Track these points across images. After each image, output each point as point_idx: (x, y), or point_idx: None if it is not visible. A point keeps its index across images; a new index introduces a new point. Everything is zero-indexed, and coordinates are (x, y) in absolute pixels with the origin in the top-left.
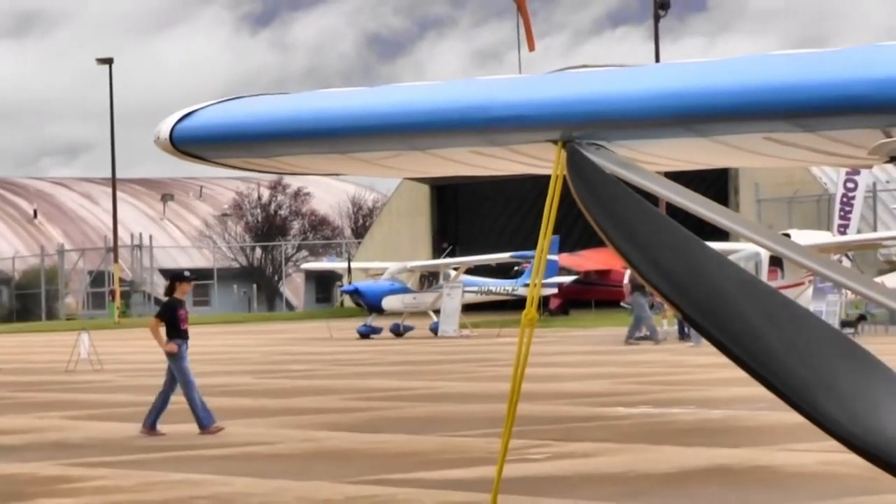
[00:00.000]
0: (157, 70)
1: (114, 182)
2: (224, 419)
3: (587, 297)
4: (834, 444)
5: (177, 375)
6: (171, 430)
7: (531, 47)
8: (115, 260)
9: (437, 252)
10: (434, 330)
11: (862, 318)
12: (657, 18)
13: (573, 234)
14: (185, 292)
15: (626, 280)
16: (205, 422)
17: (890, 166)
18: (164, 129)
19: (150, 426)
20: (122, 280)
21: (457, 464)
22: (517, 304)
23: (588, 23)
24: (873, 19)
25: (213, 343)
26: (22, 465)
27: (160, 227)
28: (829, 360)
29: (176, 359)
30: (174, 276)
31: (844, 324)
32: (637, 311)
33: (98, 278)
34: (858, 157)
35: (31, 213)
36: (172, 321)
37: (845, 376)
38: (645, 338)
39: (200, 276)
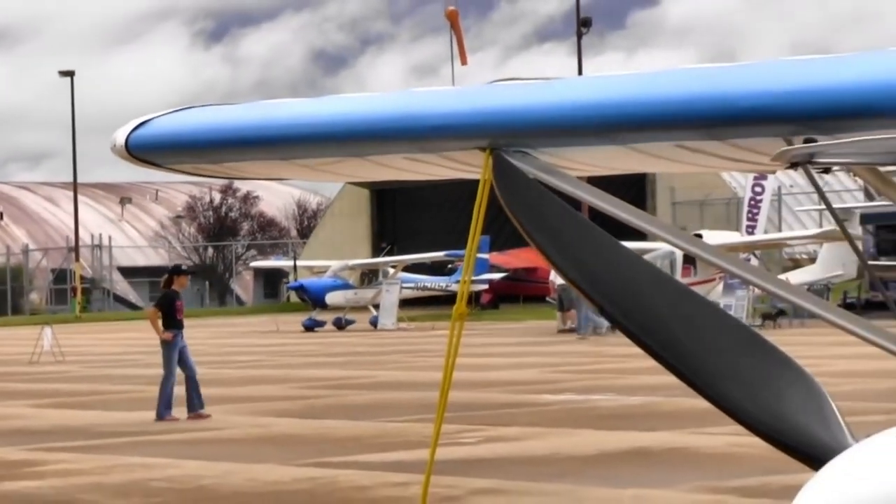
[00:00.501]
0: (116, 82)
1: (75, 186)
2: (177, 406)
3: (516, 292)
4: (740, 428)
5: (162, 363)
6: (129, 416)
7: (463, 61)
8: (77, 259)
9: (377, 251)
10: (374, 323)
11: (781, 312)
12: (580, 35)
13: (502, 235)
14: (182, 285)
15: (551, 276)
16: (162, 413)
17: (793, 172)
18: (120, 137)
19: (193, 410)
20: (82, 278)
21: (394, 447)
22: (450, 299)
23: (517, 38)
24: (778, 36)
25: None
26: None
27: (118, 228)
28: (735, 351)
29: (168, 348)
30: (173, 270)
31: (766, 316)
32: (574, 305)
33: (60, 276)
34: (763, 163)
35: None
36: (169, 311)
37: (750, 366)
38: (571, 330)
39: (156, 273)
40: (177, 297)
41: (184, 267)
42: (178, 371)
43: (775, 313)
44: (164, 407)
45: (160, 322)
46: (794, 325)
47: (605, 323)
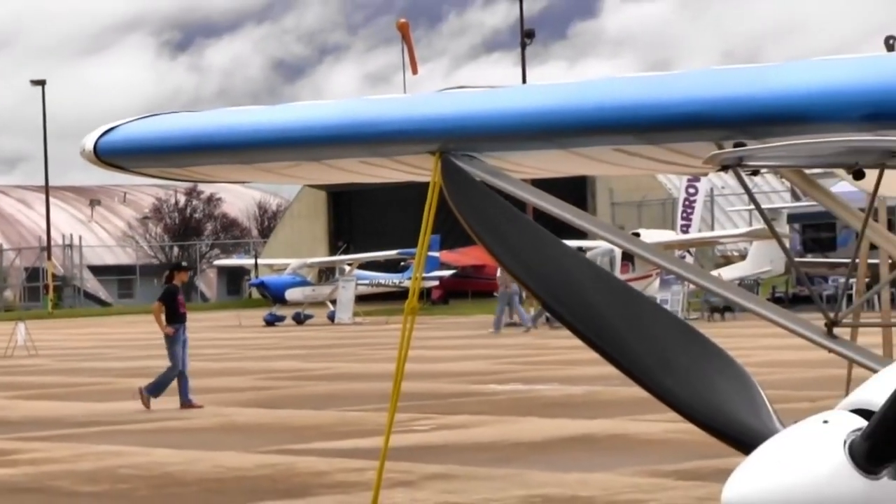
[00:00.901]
0: (85, 90)
1: (47, 189)
2: (129, 399)
3: (464, 288)
4: (676, 415)
5: (168, 355)
6: (99, 407)
7: (414, 71)
8: (49, 258)
9: (333, 250)
10: (331, 318)
11: (727, 308)
12: (524, 46)
13: (452, 234)
14: (182, 280)
15: (498, 273)
16: (152, 393)
17: (724, 174)
18: (89, 142)
19: (186, 401)
20: (54, 276)
21: (351, 435)
22: (403, 295)
23: (465, 49)
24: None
25: (136, 330)
26: None
27: (88, 228)
28: (670, 343)
29: (171, 341)
30: (173, 266)
31: (714, 309)
32: (506, 301)
33: (33, 274)
34: (696, 166)
35: None
36: (172, 305)
37: (685, 358)
38: (514, 324)
39: (124, 271)
40: (178, 291)
41: (183, 263)
42: (167, 355)
43: (723, 307)
44: (156, 388)
45: (163, 316)
46: (727, 318)
47: (529, 319)
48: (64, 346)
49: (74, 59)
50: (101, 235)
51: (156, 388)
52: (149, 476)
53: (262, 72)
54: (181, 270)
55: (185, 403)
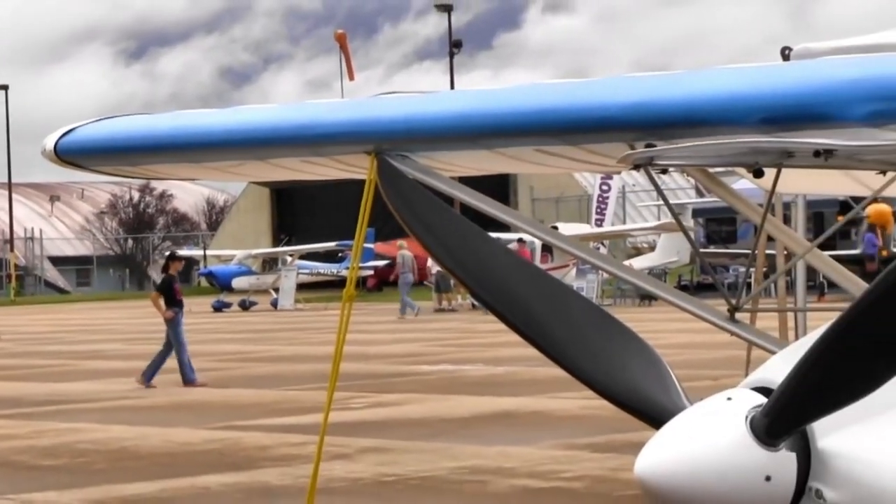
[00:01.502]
0: (46, 95)
1: (10, 186)
2: (100, 378)
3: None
4: (591, 393)
5: (172, 339)
6: (58, 387)
7: (351, 77)
8: (12, 249)
9: (277, 242)
10: (274, 304)
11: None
12: (452, 55)
13: (386, 227)
14: (177, 269)
15: (429, 263)
16: (189, 377)
17: (635, 172)
18: (49, 142)
19: (148, 379)
20: (17, 266)
21: (292, 412)
22: (341, 283)
23: (399, 58)
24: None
25: (93, 316)
26: None
27: (48, 222)
28: (586, 327)
29: (172, 324)
30: (169, 256)
31: (643, 297)
32: (450, 288)
33: None
34: (610, 165)
35: None
36: (169, 293)
37: (599, 340)
38: (448, 310)
39: (82, 262)
40: (174, 280)
41: (178, 253)
42: (171, 339)
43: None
44: (187, 373)
45: (162, 302)
46: (627, 304)
47: (416, 306)
48: (25, 331)
49: (36, 67)
50: (60, 229)
51: (189, 374)
52: (105, 451)
53: (211, 78)
54: (176, 260)
55: (146, 382)
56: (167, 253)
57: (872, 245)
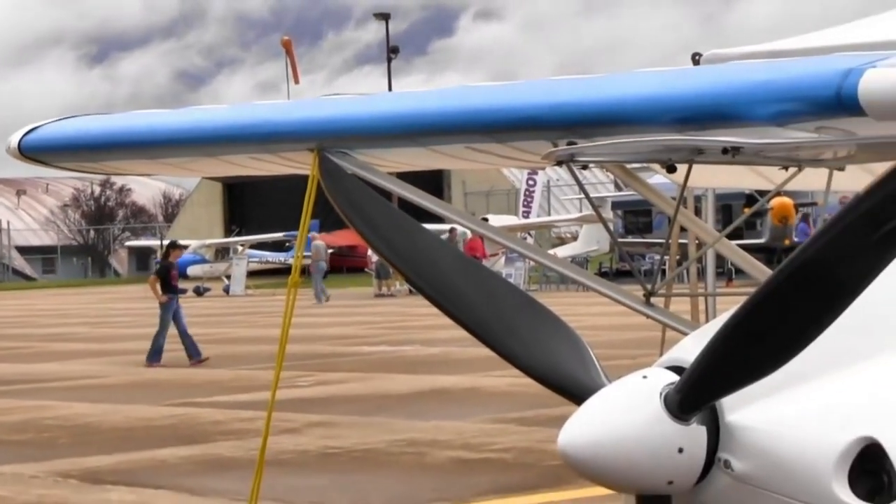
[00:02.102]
0: (12, 95)
1: None
2: (65, 359)
3: (340, 265)
4: (518, 371)
5: (159, 319)
6: (26, 368)
7: (297, 81)
8: None
9: (228, 232)
10: (226, 290)
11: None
12: (389, 60)
13: (329, 219)
14: (177, 257)
15: (369, 252)
16: (152, 360)
17: (559, 168)
18: (14, 140)
19: (194, 358)
20: None
21: (243, 390)
22: (287, 270)
23: (341, 62)
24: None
25: (58, 301)
26: None
27: (16, 214)
28: (513, 310)
29: (164, 308)
30: (170, 245)
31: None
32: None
33: None
34: (535, 161)
35: None
36: (166, 279)
37: (525, 322)
38: (388, 296)
39: (47, 251)
40: (172, 267)
41: (179, 242)
42: (159, 319)
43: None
44: (154, 354)
45: (158, 287)
46: (551, 289)
47: (327, 294)
48: None
49: (3, 70)
50: (26, 220)
51: (157, 353)
52: (69, 426)
53: (168, 81)
54: (176, 248)
55: (195, 359)
56: (168, 242)
57: (805, 235)
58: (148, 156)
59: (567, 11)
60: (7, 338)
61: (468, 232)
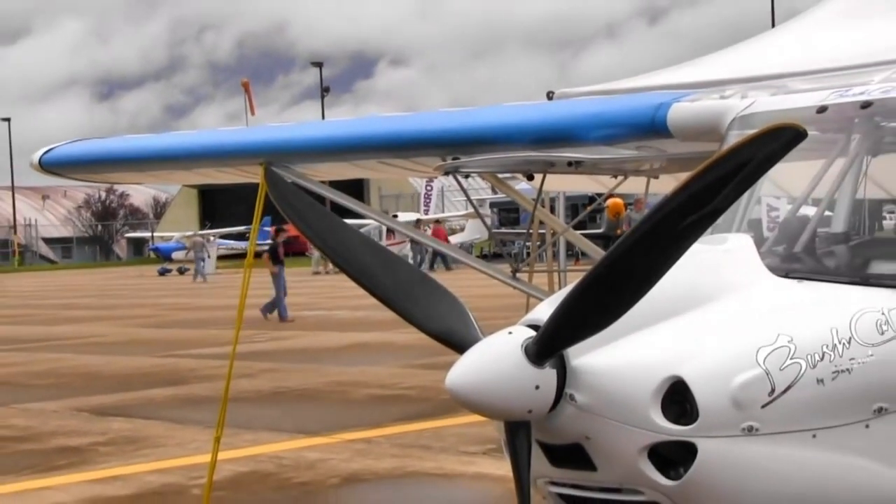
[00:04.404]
0: (40, 124)
1: (13, 189)
2: (76, 323)
3: (286, 250)
4: (415, 330)
5: (274, 287)
6: (48, 329)
7: (253, 112)
8: (15, 232)
9: (203, 226)
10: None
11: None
12: (322, 97)
13: (278, 216)
14: (283, 237)
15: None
16: (283, 315)
17: (448, 177)
18: (35, 157)
19: (269, 311)
20: (19, 244)
21: (212, 344)
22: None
23: (288, 98)
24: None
25: (73, 279)
26: None
27: (42, 214)
28: (412, 284)
29: (275, 277)
30: (277, 228)
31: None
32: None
33: (4, 244)
34: (431, 171)
35: None
36: (275, 254)
37: (421, 292)
38: (318, 272)
39: (66, 241)
40: (278, 246)
41: (284, 227)
42: (274, 287)
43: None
44: (271, 307)
45: (269, 261)
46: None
47: (206, 272)
48: (24, 290)
49: (32, 104)
50: (49, 218)
51: (271, 307)
52: (81, 373)
53: (158, 113)
54: (281, 231)
55: (283, 318)
56: (274, 227)
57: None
58: (138, 169)
59: (456, 60)
60: (33, 306)
61: (383, 226)
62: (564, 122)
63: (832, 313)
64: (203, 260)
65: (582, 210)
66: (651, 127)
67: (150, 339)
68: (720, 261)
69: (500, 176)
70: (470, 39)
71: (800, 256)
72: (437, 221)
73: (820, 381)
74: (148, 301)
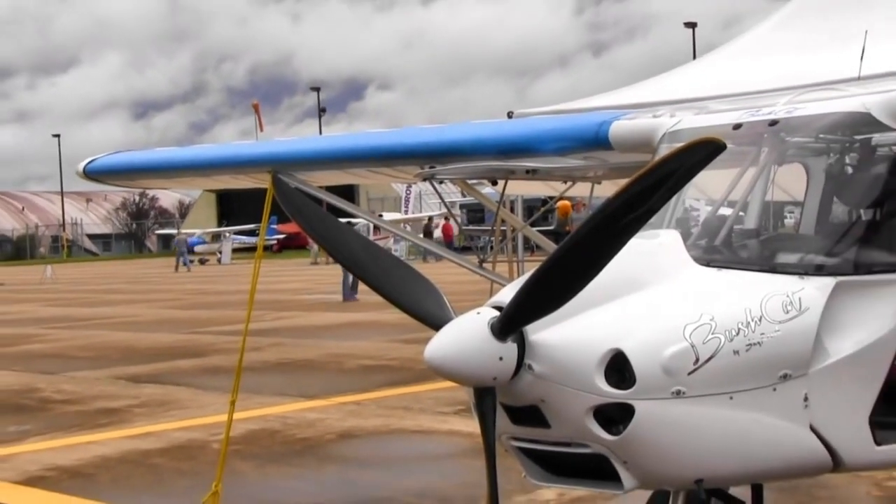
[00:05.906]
0: (86, 138)
1: (62, 193)
2: (114, 305)
3: (290, 245)
4: (398, 311)
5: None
6: (90, 311)
7: (262, 129)
8: (64, 230)
9: (220, 224)
10: (219, 261)
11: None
12: (320, 116)
13: (283, 215)
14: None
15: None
16: (347, 296)
17: (426, 182)
18: (80, 167)
19: (348, 297)
20: (67, 239)
21: (228, 323)
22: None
23: (292, 117)
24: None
25: (111, 269)
26: None
27: (86, 214)
28: (395, 272)
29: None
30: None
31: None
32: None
33: (55, 239)
34: (411, 178)
35: (21, 209)
36: None
37: (403, 280)
38: (315, 263)
39: (107, 237)
40: None
41: (350, 221)
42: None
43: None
44: (347, 293)
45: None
46: (428, 260)
47: (190, 262)
48: (71, 277)
49: (79, 122)
50: (92, 217)
51: (348, 291)
52: (117, 347)
53: (184, 129)
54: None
55: (348, 297)
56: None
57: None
58: (166, 177)
59: (433, 85)
60: (79, 291)
61: (371, 224)
62: (523, 137)
63: (746, 296)
64: (184, 254)
65: (537, 210)
66: (595, 141)
67: (176, 318)
68: (653, 252)
69: (469, 182)
70: (445, 68)
71: (719, 249)
72: (447, 219)
73: (736, 352)
74: (174, 287)
